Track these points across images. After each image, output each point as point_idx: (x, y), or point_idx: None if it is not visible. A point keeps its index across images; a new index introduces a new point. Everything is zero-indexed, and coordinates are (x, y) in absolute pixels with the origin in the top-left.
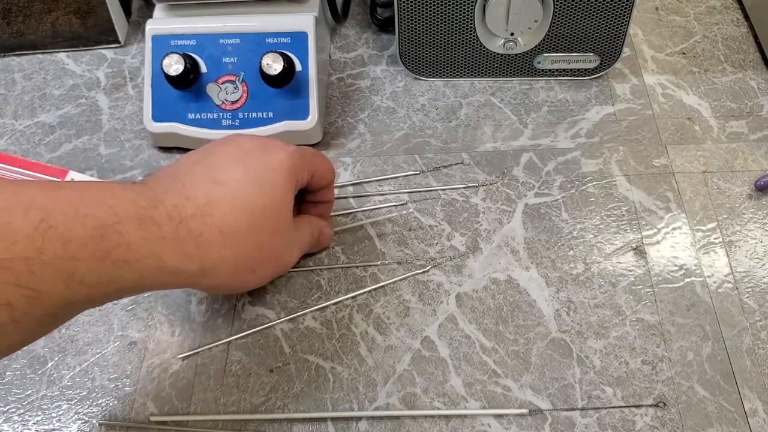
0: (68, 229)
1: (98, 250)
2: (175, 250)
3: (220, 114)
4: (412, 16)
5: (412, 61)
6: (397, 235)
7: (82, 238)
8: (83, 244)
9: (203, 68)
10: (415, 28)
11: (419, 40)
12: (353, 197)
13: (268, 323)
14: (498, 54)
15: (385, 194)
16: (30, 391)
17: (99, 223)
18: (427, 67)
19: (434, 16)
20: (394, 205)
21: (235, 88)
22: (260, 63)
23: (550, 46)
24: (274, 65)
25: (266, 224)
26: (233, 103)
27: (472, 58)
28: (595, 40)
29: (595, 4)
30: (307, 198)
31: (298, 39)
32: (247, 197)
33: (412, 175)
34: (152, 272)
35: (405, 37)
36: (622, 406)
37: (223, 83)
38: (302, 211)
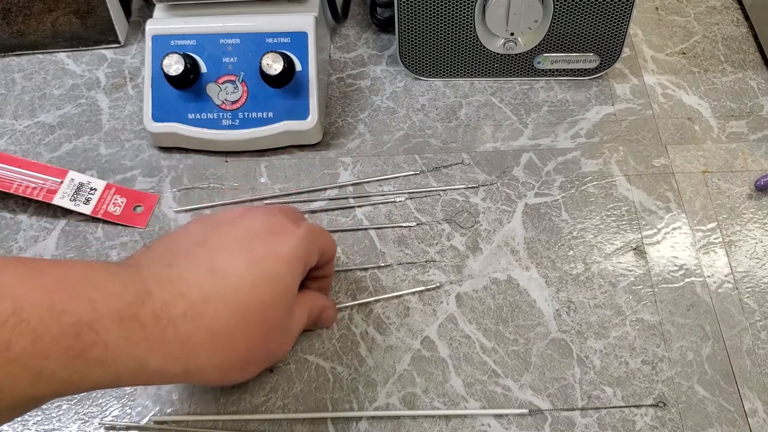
0: (41, 324)
1: (71, 348)
2: (159, 351)
3: (220, 114)
4: (412, 16)
5: (412, 61)
6: (397, 235)
7: (54, 335)
8: (55, 341)
9: (203, 68)
10: (415, 28)
11: (419, 40)
12: (353, 197)
13: None
14: (498, 54)
15: (385, 194)
16: None
17: (75, 320)
18: (427, 67)
19: (434, 16)
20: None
21: (235, 88)
22: (260, 63)
23: (550, 46)
24: (274, 65)
25: (263, 323)
26: (233, 103)
27: (472, 58)
28: (595, 40)
29: (595, 4)
30: (309, 274)
31: (298, 39)
32: (245, 295)
33: (412, 175)
34: (131, 372)
35: (405, 37)
36: (622, 406)
37: (223, 83)
38: (302, 286)
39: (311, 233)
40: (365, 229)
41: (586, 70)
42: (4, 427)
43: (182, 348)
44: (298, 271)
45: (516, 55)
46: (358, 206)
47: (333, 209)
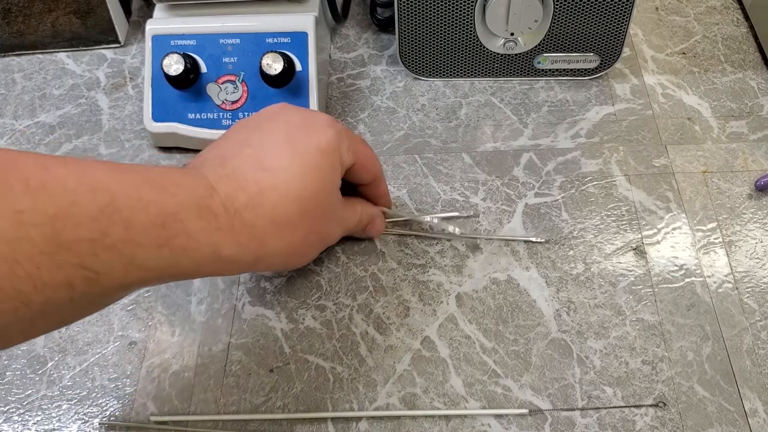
0: (132, 214)
1: (159, 236)
2: (231, 241)
3: (220, 114)
4: (412, 16)
5: (412, 61)
6: (397, 236)
7: (144, 224)
8: (145, 229)
9: (203, 68)
10: (415, 28)
11: (419, 40)
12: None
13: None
14: (498, 54)
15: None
16: (30, 391)
17: (161, 210)
18: (427, 67)
19: (434, 16)
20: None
21: (235, 88)
22: (260, 63)
23: (550, 46)
24: (274, 65)
25: (316, 210)
26: (233, 103)
27: (472, 58)
28: (595, 40)
29: (595, 4)
30: (362, 191)
31: (298, 39)
32: (296, 186)
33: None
34: (209, 260)
35: (405, 37)
36: (623, 406)
37: (223, 83)
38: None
39: (344, 131)
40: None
41: (586, 70)
42: (4, 427)
43: (250, 236)
44: (336, 163)
45: (516, 55)
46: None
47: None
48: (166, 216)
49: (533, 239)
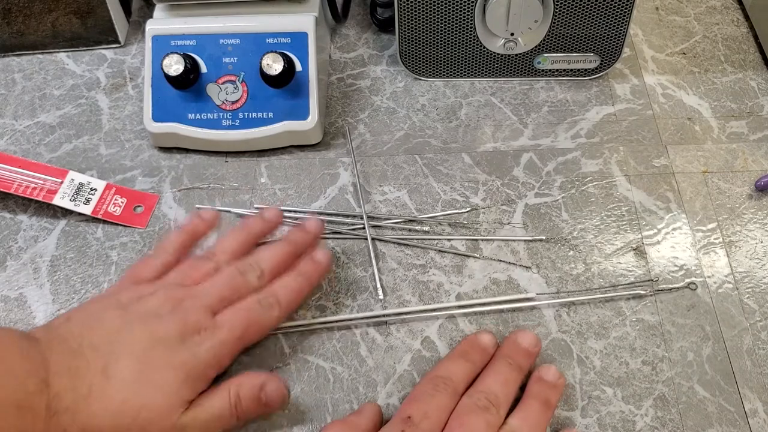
0: None
1: None
2: None
3: (220, 114)
4: (412, 16)
5: (412, 61)
6: (396, 236)
7: None
8: None
9: (203, 68)
10: (415, 28)
11: (419, 40)
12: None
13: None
14: (498, 54)
15: (386, 194)
16: None
17: None
18: (427, 67)
19: (434, 16)
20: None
21: (235, 88)
22: (260, 63)
23: (550, 46)
24: (274, 65)
25: (134, 426)
26: (233, 103)
27: (472, 58)
28: (595, 40)
29: (595, 4)
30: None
31: (298, 39)
32: (124, 397)
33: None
34: None
35: (405, 37)
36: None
37: (223, 83)
38: None
39: (220, 351)
40: (364, 230)
41: (586, 70)
42: None
43: None
44: (195, 384)
45: (516, 55)
46: (358, 207)
47: (335, 213)
48: None
49: (529, 237)
